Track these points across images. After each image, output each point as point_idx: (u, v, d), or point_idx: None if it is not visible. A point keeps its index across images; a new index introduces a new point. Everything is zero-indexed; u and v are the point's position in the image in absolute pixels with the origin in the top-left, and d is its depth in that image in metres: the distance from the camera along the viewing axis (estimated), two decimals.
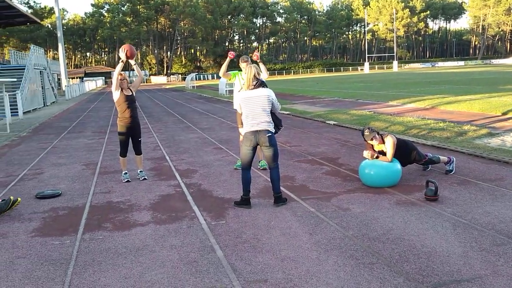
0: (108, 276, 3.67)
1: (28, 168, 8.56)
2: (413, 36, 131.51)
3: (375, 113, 14.55)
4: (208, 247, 4.22)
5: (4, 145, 11.88)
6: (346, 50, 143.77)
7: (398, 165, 6.04)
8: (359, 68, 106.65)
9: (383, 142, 6.16)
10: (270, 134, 5.24)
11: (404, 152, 6.28)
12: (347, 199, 5.51)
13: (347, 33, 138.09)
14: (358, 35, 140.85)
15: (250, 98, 5.25)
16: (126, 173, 7.11)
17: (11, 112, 17.62)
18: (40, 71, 29.94)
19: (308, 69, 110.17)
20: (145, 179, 7.10)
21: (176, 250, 4.18)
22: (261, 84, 5.33)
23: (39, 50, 32.95)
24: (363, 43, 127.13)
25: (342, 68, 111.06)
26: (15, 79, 20.63)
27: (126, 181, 6.99)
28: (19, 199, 5.70)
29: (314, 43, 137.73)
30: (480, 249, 3.87)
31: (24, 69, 25.74)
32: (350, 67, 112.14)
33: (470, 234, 4.20)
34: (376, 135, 6.19)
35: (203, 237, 4.47)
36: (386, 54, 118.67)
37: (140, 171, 7.24)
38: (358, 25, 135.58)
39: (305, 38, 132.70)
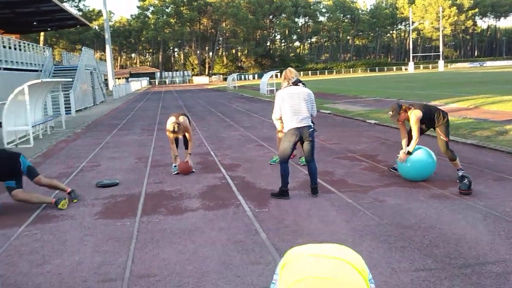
0: (165, 252, 4.17)
1: (86, 160, 9.29)
2: (460, 35, 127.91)
3: None
4: (252, 230, 4.65)
5: (62, 140, 12.78)
6: (390, 49, 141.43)
7: (433, 157, 6.23)
8: (403, 67, 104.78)
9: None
10: (312, 129, 5.63)
11: (429, 118, 6.21)
12: (383, 192, 5.82)
13: (391, 32, 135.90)
14: (402, 34, 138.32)
15: (294, 94, 5.60)
16: (175, 166, 7.66)
17: (65, 110, 18.71)
18: (90, 72, 31.37)
19: (351, 69, 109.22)
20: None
21: (224, 232, 4.64)
22: (299, 82, 5.70)
23: (89, 51, 34.49)
24: (407, 42, 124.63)
25: (385, 67, 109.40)
26: (70, 79, 21.81)
27: (176, 173, 7.54)
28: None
29: (357, 42, 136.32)
30: (508, 237, 4.11)
31: (76, 69, 27.09)
32: (394, 67, 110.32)
33: (500, 225, 4.44)
34: (400, 113, 6.17)
35: (248, 222, 4.91)
36: (432, 54, 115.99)
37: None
38: (403, 23, 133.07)
39: (348, 37, 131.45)
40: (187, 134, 7.70)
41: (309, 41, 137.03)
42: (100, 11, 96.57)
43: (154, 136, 12.91)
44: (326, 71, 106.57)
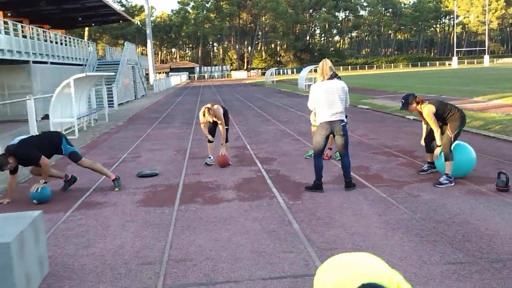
0: (202, 238, 4.35)
1: (128, 152, 9.65)
2: (508, 29, 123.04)
3: None
4: (286, 221, 4.77)
5: (105, 133, 13.28)
6: (433, 44, 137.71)
7: (472, 154, 6.15)
8: (446, 62, 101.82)
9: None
10: (344, 123, 5.67)
11: (441, 115, 6.02)
12: (418, 187, 5.81)
13: (434, 26, 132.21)
14: (446, 28, 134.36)
15: (328, 89, 5.65)
16: (210, 157, 7.87)
17: (108, 104, 19.34)
18: (132, 66, 32.19)
19: (392, 64, 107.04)
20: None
21: (258, 221, 4.78)
22: (335, 75, 5.75)
23: (131, 46, 35.34)
24: (451, 37, 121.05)
25: (428, 63, 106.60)
26: (113, 73, 22.49)
27: (211, 164, 7.76)
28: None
29: (399, 36, 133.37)
30: None
31: (118, 64, 27.88)
32: (437, 62, 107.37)
33: None
34: (412, 103, 6.07)
35: (282, 213, 5.04)
36: (477, 48, 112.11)
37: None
38: (447, 17, 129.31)
39: (390, 32, 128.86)
40: (219, 125, 7.81)
41: (349, 36, 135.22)
42: (142, 7, 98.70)
43: (192, 129, 13.21)
44: (366, 66, 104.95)
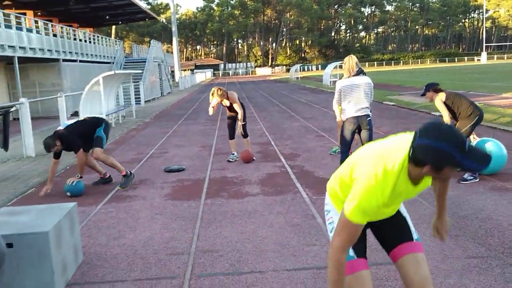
0: (227, 230, 4.50)
1: (155, 148, 9.89)
2: None
3: (485, 105, 14.07)
4: (309, 215, 4.88)
5: (133, 129, 13.59)
6: (461, 39, 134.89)
7: (503, 151, 6.10)
8: (475, 58, 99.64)
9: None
10: (370, 118, 5.74)
11: (451, 109, 6.00)
12: None
13: (463, 20, 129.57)
14: (475, 23, 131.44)
15: (354, 85, 5.72)
16: (233, 154, 7.99)
17: (135, 101, 19.73)
18: (158, 64, 32.65)
19: (419, 60, 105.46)
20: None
21: (282, 215, 4.89)
22: (361, 71, 5.79)
23: (157, 44, 35.84)
24: (481, 31, 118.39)
25: (456, 58, 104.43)
26: (140, 71, 22.91)
27: (233, 161, 7.90)
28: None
29: (426, 31, 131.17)
30: None
31: (145, 61, 28.33)
32: (466, 57, 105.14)
33: None
34: (429, 90, 6.13)
35: (305, 207, 5.14)
36: (507, 43, 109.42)
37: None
38: (476, 12, 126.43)
39: (417, 27, 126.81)
40: (236, 108, 7.72)
41: (375, 31, 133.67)
42: (167, 5, 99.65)
43: (217, 126, 13.39)
44: (392, 62, 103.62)
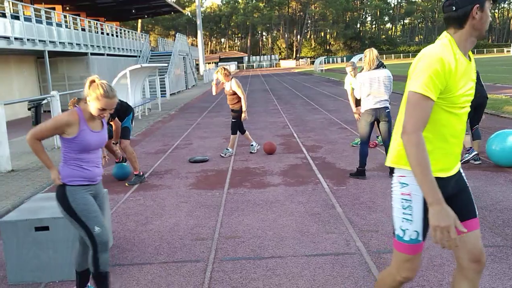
0: (249, 218, 4.67)
1: (180, 139, 10.14)
2: None
3: (511, 97, 13.87)
4: (329, 205, 5.01)
5: (158, 121, 13.90)
6: (491, 30, 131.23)
7: None
8: (505, 49, 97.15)
9: None
10: (388, 110, 5.81)
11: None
12: (466, 175, 5.84)
13: (492, 11, 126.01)
14: (505, 13, 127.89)
15: (374, 78, 5.81)
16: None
17: (160, 94, 20.08)
18: (183, 57, 32.99)
19: None
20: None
21: (303, 205, 5.04)
22: (381, 65, 5.86)
23: (182, 37, 36.20)
24: (511, 22, 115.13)
25: (485, 49, 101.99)
26: (166, 64, 23.25)
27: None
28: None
29: None
30: None
31: (170, 55, 28.69)
32: (495, 49, 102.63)
33: None
34: None
35: (326, 198, 5.27)
36: None
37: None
38: (506, 1, 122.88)
39: None
40: (238, 91, 7.57)
41: (402, 23, 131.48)
42: None
43: None
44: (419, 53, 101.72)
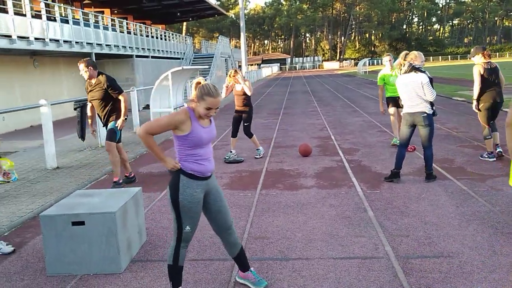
0: (279, 220, 4.71)
1: (218, 140, 10.30)
2: None
3: None
4: (361, 208, 4.97)
5: None
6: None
7: None
8: None
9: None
10: (425, 114, 5.69)
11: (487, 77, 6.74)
12: (503, 182, 5.67)
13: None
14: None
15: (404, 84, 5.74)
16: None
17: None
18: (225, 59, 33.39)
19: (497, 53, 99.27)
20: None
21: (334, 208, 5.03)
22: (413, 69, 5.74)
23: (225, 39, 36.65)
24: None
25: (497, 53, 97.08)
26: (207, 66, 23.63)
27: (231, 159, 7.80)
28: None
29: (506, 23, 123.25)
30: None
31: (212, 57, 29.11)
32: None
33: None
34: (477, 53, 6.87)
35: (358, 201, 5.24)
36: None
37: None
38: None
39: (495, 18, 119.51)
40: (244, 85, 7.61)
41: (450, 23, 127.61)
42: (236, 0, 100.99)
43: (279, 120, 13.61)
44: (467, 55, 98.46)
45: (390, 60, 8.37)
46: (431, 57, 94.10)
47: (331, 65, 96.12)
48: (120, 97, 6.28)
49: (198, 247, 4.12)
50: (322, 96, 22.67)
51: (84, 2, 28.08)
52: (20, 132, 14.01)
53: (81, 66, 6.20)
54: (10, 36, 13.00)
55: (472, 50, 7.07)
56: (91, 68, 6.22)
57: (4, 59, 14.17)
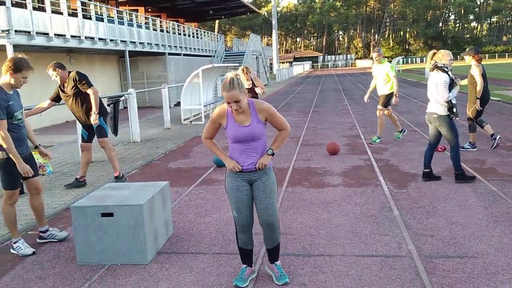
0: (304, 217, 4.74)
1: None
2: None
3: None
4: (387, 207, 4.95)
5: None
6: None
7: None
8: None
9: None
10: (436, 115, 5.61)
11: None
12: None
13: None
14: None
15: (428, 82, 5.79)
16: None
17: None
18: (256, 57, 33.48)
19: None
20: None
21: (359, 206, 5.02)
22: (435, 67, 5.63)
23: (256, 37, 36.74)
24: None
25: (496, 55, 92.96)
26: (238, 64, 23.74)
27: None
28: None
29: None
30: None
31: (243, 55, 29.24)
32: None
33: None
34: (470, 55, 7.50)
35: (384, 200, 5.21)
36: None
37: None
38: None
39: None
40: (258, 87, 8.21)
41: (489, 21, 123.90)
42: None
43: (308, 118, 13.59)
44: (506, 54, 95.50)
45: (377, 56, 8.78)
46: None
47: (364, 63, 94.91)
48: (89, 91, 6.09)
49: (223, 241, 4.20)
50: (353, 94, 22.46)
51: (120, 0, 28.66)
52: (56, 127, 14.49)
53: (50, 71, 5.98)
54: (47, 34, 13.44)
55: (467, 49, 7.79)
56: (59, 70, 6.02)
57: (42, 56, 14.65)
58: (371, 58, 8.74)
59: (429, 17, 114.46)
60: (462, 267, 3.44)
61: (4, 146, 3.90)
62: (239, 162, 3.22)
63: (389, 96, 8.84)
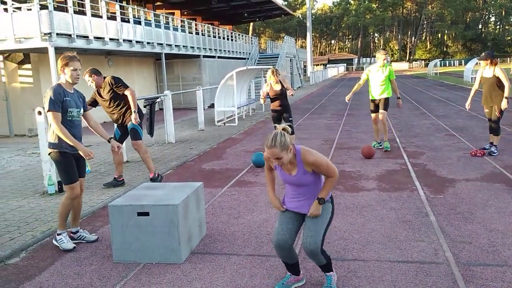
0: (338, 221, 4.70)
1: None
2: None
3: None
4: (423, 213, 4.85)
5: (260, 121, 14.30)
6: None
7: None
8: None
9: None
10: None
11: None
12: None
13: None
14: None
15: None
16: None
17: None
18: (290, 59, 33.40)
19: None
20: None
21: (395, 211, 4.94)
22: None
23: (290, 39, 36.63)
24: None
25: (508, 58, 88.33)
26: (271, 67, 23.76)
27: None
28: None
29: None
30: None
31: (277, 57, 29.23)
32: None
33: None
34: (487, 59, 7.47)
35: (420, 205, 5.11)
36: None
37: None
38: None
39: None
40: (287, 89, 7.97)
41: None
42: (303, 0, 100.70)
43: (342, 120, 13.46)
44: None
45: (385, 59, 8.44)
46: (508, 58, 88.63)
47: (400, 66, 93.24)
48: (126, 92, 6.26)
49: (256, 243, 4.21)
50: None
51: (156, 4, 29.19)
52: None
53: (86, 77, 6.14)
54: (87, 37, 13.82)
55: (482, 54, 7.67)
56: (95, 76, 6.19)
57: (82, 58, 15.03)
58: (374, 57, 8.42)
59: (468, 19, 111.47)
60: (502, 276, 3.34)
61: (60, 135, 4.15)
62: (286, 203, 3.28)
63: (388, 100, 8.67)
